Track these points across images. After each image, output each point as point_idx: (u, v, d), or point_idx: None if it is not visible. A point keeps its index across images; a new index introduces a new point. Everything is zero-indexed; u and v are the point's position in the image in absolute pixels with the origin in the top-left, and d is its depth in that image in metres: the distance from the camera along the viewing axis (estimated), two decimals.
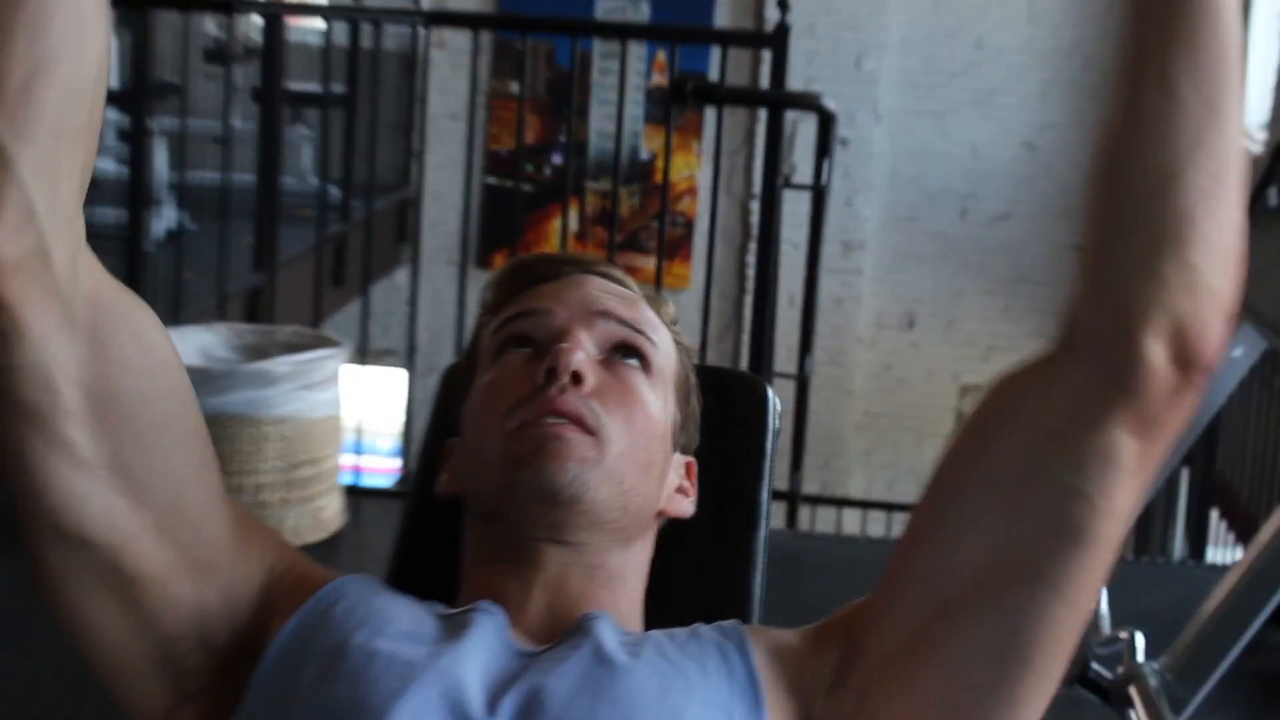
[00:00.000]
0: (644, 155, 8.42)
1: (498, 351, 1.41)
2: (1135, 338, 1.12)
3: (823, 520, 8.04)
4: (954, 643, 1.19)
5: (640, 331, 1.42)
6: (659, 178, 8.17)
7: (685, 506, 1.47)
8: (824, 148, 4.79)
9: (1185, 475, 5.54)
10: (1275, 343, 2.88)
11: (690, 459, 1.50)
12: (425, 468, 1.61)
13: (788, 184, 4.93)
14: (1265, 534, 2.53)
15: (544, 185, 7.58)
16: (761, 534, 1.63)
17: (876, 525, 7.86)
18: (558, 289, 1.44)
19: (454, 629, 1.25)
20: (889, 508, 7.97)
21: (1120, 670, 2.46)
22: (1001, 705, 1.19)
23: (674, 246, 8.32)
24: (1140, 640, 2.51)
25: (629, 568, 1.39)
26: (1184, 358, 1.12)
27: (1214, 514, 5.48)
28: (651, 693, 1.19)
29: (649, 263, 8.30)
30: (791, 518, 6.34)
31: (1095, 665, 2.47)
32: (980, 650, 1.18)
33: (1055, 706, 1.25)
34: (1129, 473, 1.14)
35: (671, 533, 1.48)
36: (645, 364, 1.41)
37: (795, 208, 6.29)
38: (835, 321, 8.90)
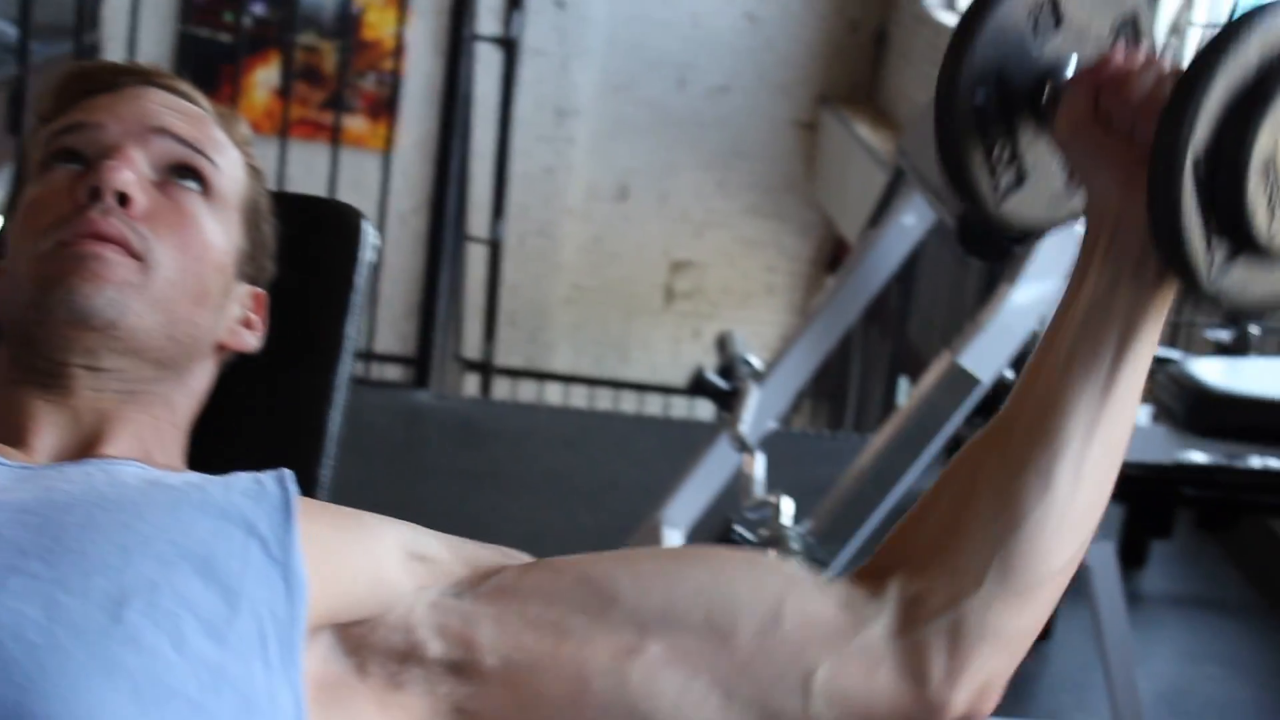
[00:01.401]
0: (354, 9, 8.16)
1: (44, 167, 1.34)
2: (956, 683, 1.14)
3: (526, 394, 7.97)
4: (597, 679, 1.14)
5: (201, 151, 1.35)
6: (368, 33, 7.92)
7: (249, 340, 1.42)
8: None
9: (888, 350, 5.59)
10: (939, 210, 2.86)
11: (259, 290, 1.43)
12: None
13: (476, 37, 4.76)
14: (911, 400, 2.52)
15: (245, 37, 7.28)
16: (341, 371, 1.56)
17: (579, 400, 7.80)
18: (113, 102, 1.36)
19: None
20: (592, 383, 7.93)
21: (764, 533, 2.42)
22: None
23: (380, 107, 8.10)
24: (788, 504, 2.48)
25: (175, 398, 1.33)
26: (974, 711, 1.14)
27: (904, 383, 5.52)
28: (160, 506, 1.10)
29: (355, 123, 8.07)
30: (485, 388, 6.26)
31: (739, 528, 2.43)
32: (614, 705, 1.15)
33: None
34: None
35: (244, 367, 1.43)
36: (206, 187, 1.35)
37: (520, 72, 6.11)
38: (546, 191, 8.78)
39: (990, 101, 1.16)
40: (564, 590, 1.16)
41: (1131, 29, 1.21)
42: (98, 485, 1.13)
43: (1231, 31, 1.04)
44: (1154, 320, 1.14)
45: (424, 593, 1.15)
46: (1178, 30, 3.97)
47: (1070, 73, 1.17)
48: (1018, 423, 1.15)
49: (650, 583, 1.16)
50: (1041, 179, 1.21)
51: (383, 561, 1.15)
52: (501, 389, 7.44)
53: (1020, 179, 1.20)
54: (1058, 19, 1.17)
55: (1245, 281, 1.07)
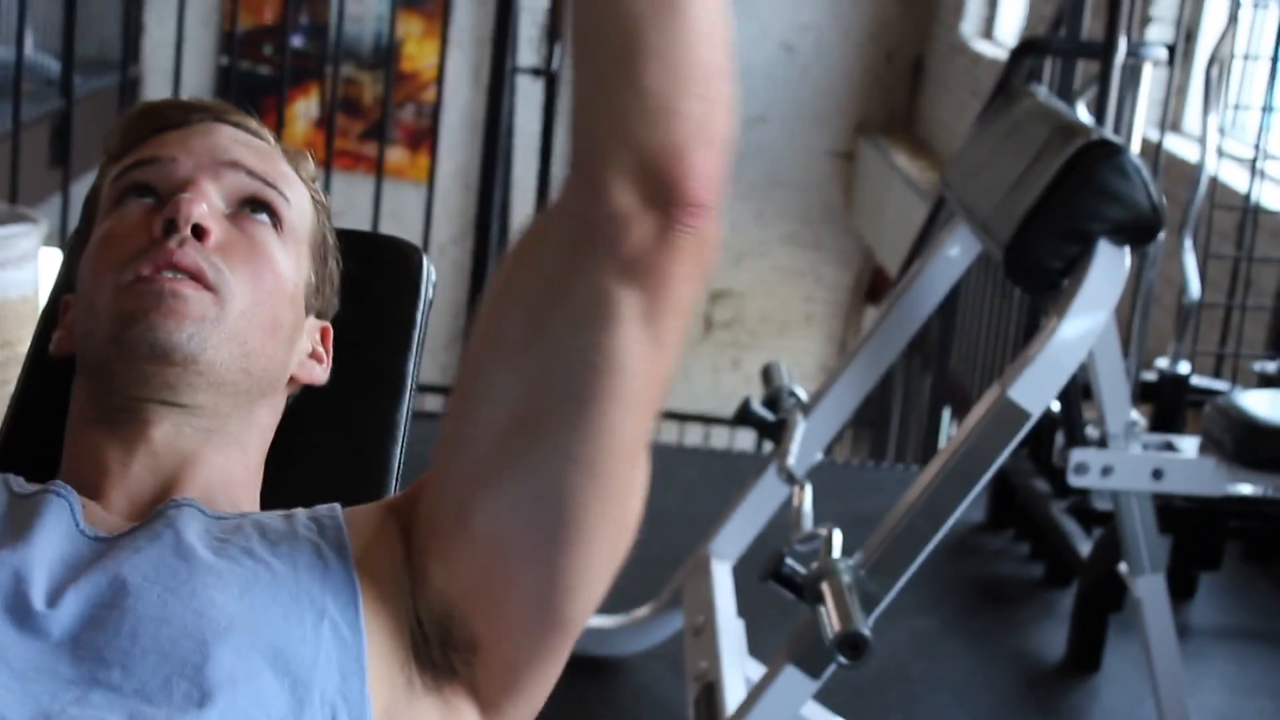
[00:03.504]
0: (393, 41, 8.22)
1: (116, 201, 1.33)
2: (597, 180, 1.03)
3: None
4: (488, 511, 1.13)
5: (272, 185, 1.35)
6: (406, 65, 7.96)
7: (318, 373, 1.42)
8: (554, 30, 4.66)
9: (929, 380, 5.58)
10: (986, 242, 2.86)
11: (325, 324, 1.44)
12: (44, 326, 1.53)
13: (517, 69, 4.78)
14: (960, 433, 2.52)
15: (286, 69, 7.33)
16: (404, 407, 1.57)
17: None
18: (185, 137, 1.36)
19: (19, 514, 1.18)
20: None
21: (814, 566, 2.42)
22: (552, 575, 1.13)
23: (419, 138, 8.13)
24: (838, 536, 2.48)
25: (250, 432, 1.33)
26: (657, 194, 1.02)
27: (946, 415, 5.52)
28: (232, 590, 1.10)
29: (394, 154, 8.11)
30: None
31: (790, 561, 2.43)
32: (511, 517, 1.13)
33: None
34: (632, 324, 1.06)
35: (309, 401, 1.43)
36: (276, 220, 1.35)
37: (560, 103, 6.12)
38: None
39: None
40: (445, 475, 1.16)
41: None
42: (168, 560, 1.13)
43: None
44: None
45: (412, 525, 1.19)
46: (1218, 61, 3.97)
47: None
48: None
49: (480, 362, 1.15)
50: None
51: (395, 552, 1.19)
52: None
53: None
54: None
55: None
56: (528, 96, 5.66)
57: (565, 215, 1.07)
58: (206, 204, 1.29)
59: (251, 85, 6.33)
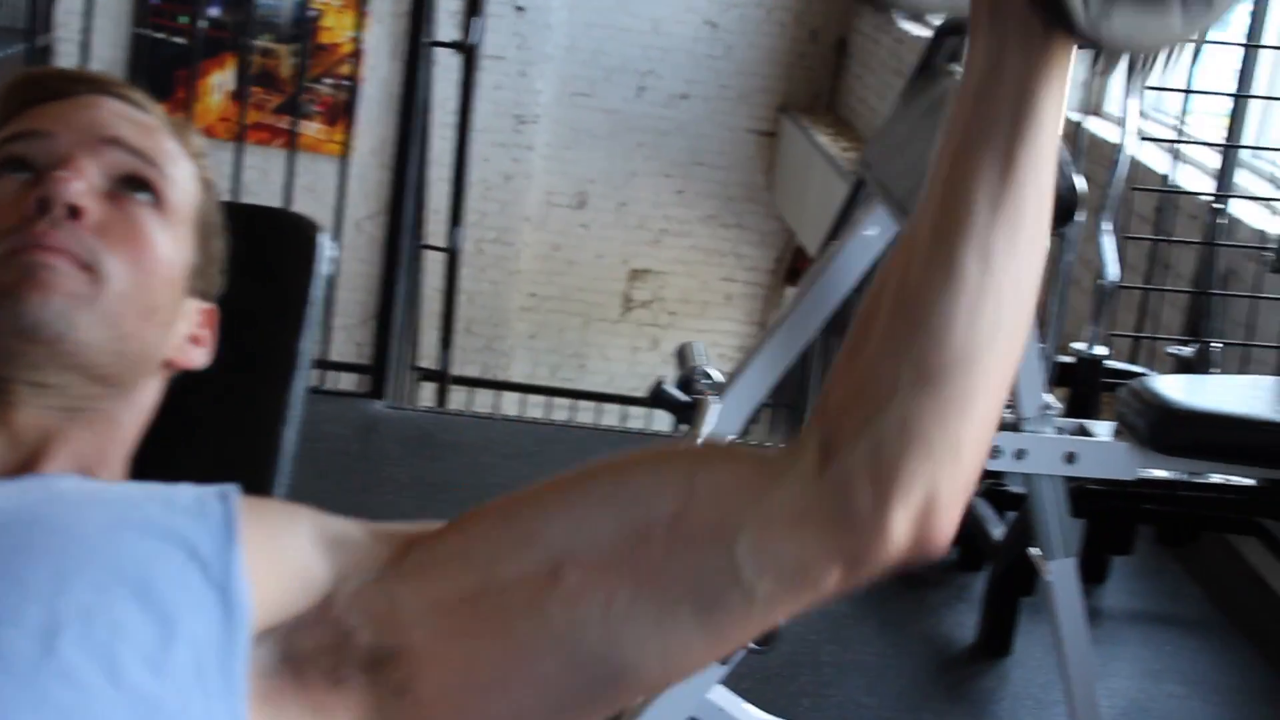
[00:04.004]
0: (310, 12, 8.11)
1: None
2: (888, 506, 1.03)
3: (483, 405, 7.91)
4: (520, 623, 1.09)
5: (154, 163, 1.30)
6: (325, 37, 7.87)
7: (197, 357, 1.36)
8: (474, 4, 4.60)
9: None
10: (901, 222, 2.83)
11: (209, 306, 1.38)
12: None
13: (434, 43, 4.72)
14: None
15: (200, 40, 7.22)
16: (297, 386, 1.53)
17: (536, 410, 7.76)
18: (65, 110, 1.31)
19: None
20: (549, 392, 7.88)
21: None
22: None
23: (337, 112, 8.04)
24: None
25: (121, 416, 1.28)
26: (923, 536, 1.04)
27: None
28: (98, 525, 1.06)
29: (312, 128, 8.01)
30: (441, 398, 6.21)
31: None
32: (542, 644, 1.09)
33: None
34: (808, 590, 1.07)
35: (200, 381, 1.38)
36: (158, 199, 1.29)
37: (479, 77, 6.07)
38: (503, 198, 8.75)
39: None
40: (475, 546, 1.11)
41: None
42: (34, 503, 1.09)
43: None
44: (1050, 84, 1.04)
45: (346, 582, 1.11)
46: None
47: None
48: (921, 225, 1.05)
49: (553, 509, 1.11)
50: None
51: (307, 554, 1.12)
52: (459, 398, 7.38)
53: None
54: None
55: (1131, 26, 1.00)
56: (448, 70, 5.60)
57: (828, 501, 1.05)
58: (83, 182, 1.24)
59: (166, 56, 6.22)
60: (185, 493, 1.12)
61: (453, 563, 1.11)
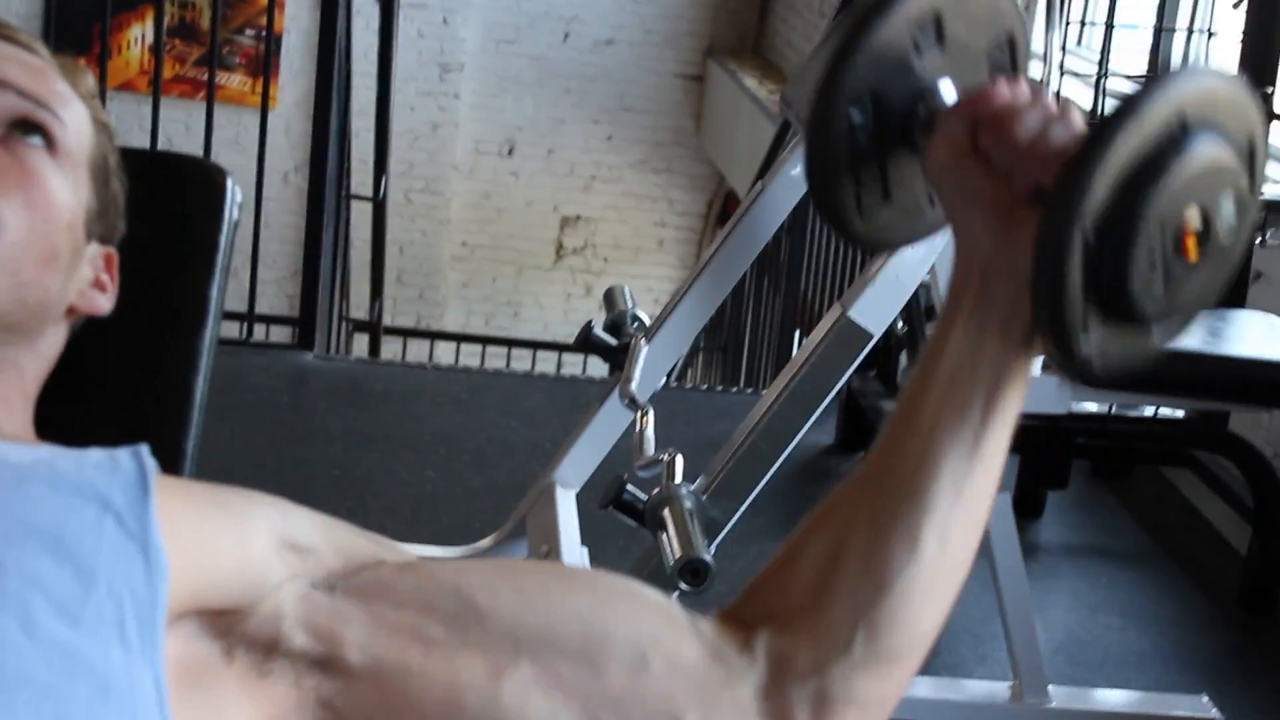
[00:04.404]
0: None
1: None
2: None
3: (417, 354, 7.86)
4: (469, 690, 1.09)
5: (45, 105, 1.26)
6: None
7: (101, 302, 1.34)
8: None
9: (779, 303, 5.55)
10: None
11: (110, 250, 1.36)
12: None
13: None
14: (801, 354, 2.47)
15: None
16: (206, 335, 1.51)
17: (471, 360, 7.72)
18: None
19: None
20: (483, 341, 7.84)
21: (655, 492, 2.36)
22: None
23: (259, 64, 7.95)
24: (679, 462, 2.41)
25: (24, 363, 1.26)
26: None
27: (799, 337, 5.49)
28: (7, 480, 1.03)
29: (233, 80, 7.91)
30: (374, 348, 6.16)
31: (630, 487, 2.36)
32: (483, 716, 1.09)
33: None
34: None
35: (106, 330, 1.36)
36: (51, 143, 1.26)
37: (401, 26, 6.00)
38: (431, 147, 8.68)
39: (866, 121, 1.11)
40: (439, 598, 1.10)
41: (1008, 50, 1.16)
42: None
43: (1136, 100, 1.00)
44: (1020, 379, 1.10)
45: (294, 583, 1.09)
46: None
47: (945, 98, 1.11)
48: (886, 479, 1.12)
49: (531, 601, 1.11)
50: (906, 198, 1.16)
51: (251, 546, 1.09)
52: (392, 349, 7.33)
53: (885, 197, 1.15)
54: (939, 36, 1.11)
55: (1106, 345, 1.04)
56: (369, 20, 5.54)
57: (748, 683, 1.11)
58: None
59: (83, 9, 6.10)
60: (95, 452, 1.09)
61: (409, 604, 1.09)
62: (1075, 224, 0.99)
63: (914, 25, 1.11)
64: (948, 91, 1.11)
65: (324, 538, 1.12)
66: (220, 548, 1.08)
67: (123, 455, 1.08)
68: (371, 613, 1.08)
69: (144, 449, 1.09)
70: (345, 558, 1.11)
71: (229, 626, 1.07)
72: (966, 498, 1.11)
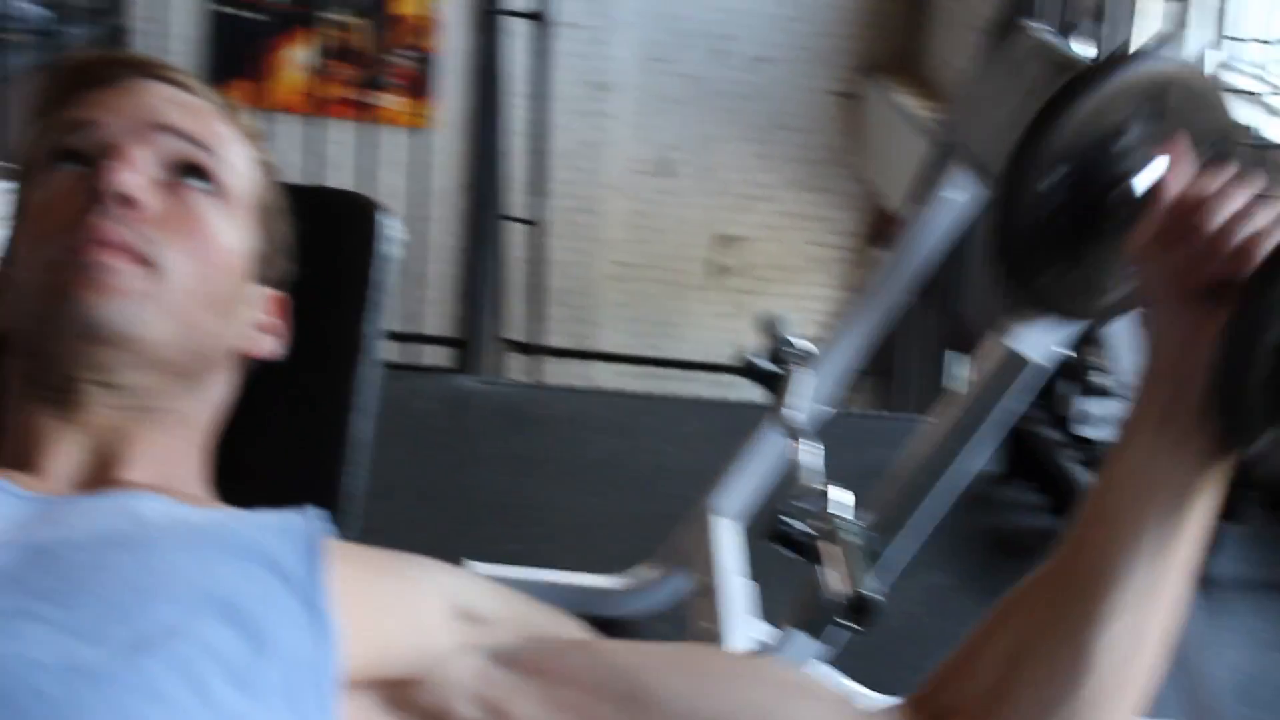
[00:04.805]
0: None
1: (43, 168, 1.26)
2: None
3: (576, 376, 7.87)
4: None
5: (208, 148, 1.28)
6: (400, 9, 7.83)
7: (269, 346, 1.35)
8: None
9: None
10: (983, 183, 2.76)
11: (278, 293, 1.37)
12: None
13: (504, 11, 4.66)
14: (965, 385, 2.42)
15: (276, 14, 7.17)
16: (363, 374, 1.50)
17: (626, 379, 7.70)
18: (110, 97, 1.29)
19: None
20: (640, 361, 7.83)
21: (815, 525, 2.31)
22: None
23: (417, 84, 8.01)
24: (837, 493, 2.38)
25: (194, 413, 1.27)
26: None
27: (953, 359, 5.42)
28: (181, 541, 1.03)
29: (393, 101, 7.98)
30: (532, 369, 6.18)
31: (788, 520, 2.32)
32: None
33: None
34: None
35: (260, 375, 1.37)
36: (215, 186, 1.27)
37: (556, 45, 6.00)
38: (586, 167, 8.68)
39: (1062, 184, 1.06)
40: (611, 678, 1.08)
41: (1223, 145, 1.11)
42: (115, 522, 1.06)
43: None
44: (1210, 492, 1.08)
45: (466, 653, 1.07)
46: None
47: (1150, 178, 1.06)
48: (1072, 581, 1.11)
49: (705, 690, 1.10)
50: (1091, 271, 1.12)
51: (425, 615, 1.08)
52: (547, 369, 7.35)
53: (1072, 266, 1.11)
54: (1159, 114, 1.06)
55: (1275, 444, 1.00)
56: (525, 41, 5.56)
57: None
58: (135, 172, 1.21)
59: (244, 32, 6.18)
60: (267, 514, 1.09)
61: (584, 678, 1.08)
62: (1264, 328, 0.94)
63: (1136, 95, 1.06)
64: (1153, 172, 1.06)
65: (499, 608, 1.10)
66: (392, 613, 1.07)
67: (293, 517, 1.08)
68: (542, 688, 1.06)
69: (314, 511, 1.08)
70: (519, 629, 1.09)
71: (405, 698, 1.05)
72: (1150, 609, 1.09)
